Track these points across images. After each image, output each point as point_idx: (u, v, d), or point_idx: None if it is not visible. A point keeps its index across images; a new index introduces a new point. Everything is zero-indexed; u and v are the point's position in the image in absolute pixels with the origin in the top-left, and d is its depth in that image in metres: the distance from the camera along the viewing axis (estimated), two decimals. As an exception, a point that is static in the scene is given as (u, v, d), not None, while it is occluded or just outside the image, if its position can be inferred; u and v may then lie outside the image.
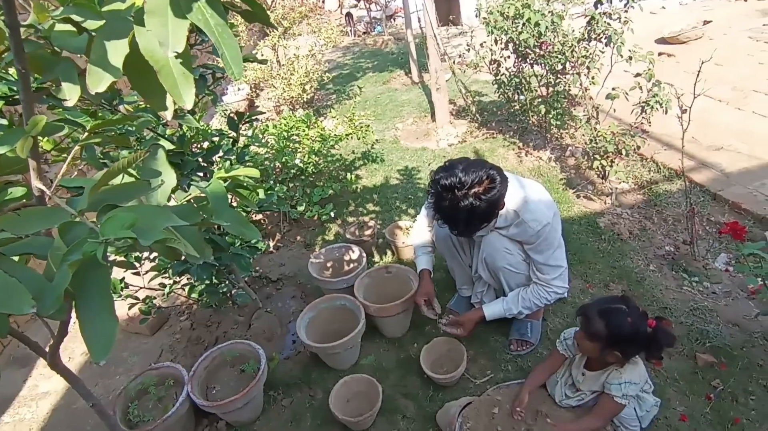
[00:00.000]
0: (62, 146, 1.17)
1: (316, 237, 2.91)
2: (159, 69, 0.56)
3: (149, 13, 0.53)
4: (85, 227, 0.57)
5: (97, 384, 2.14)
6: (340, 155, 3.16)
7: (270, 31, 5.18)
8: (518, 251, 1.74)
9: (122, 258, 1.83)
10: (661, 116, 2.55)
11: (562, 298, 1.80)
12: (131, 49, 0.58)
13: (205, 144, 1.87)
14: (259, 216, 3.02)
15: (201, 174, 1.72)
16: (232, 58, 0.56)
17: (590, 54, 2.87)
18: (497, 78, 3.53)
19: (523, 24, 2.96)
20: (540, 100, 3.27)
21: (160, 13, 0.53)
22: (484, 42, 3.45)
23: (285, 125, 2.95)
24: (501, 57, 3.42)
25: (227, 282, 2.09)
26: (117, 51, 0.57)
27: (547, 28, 2.86)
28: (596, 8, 2.74)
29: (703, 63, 2.06)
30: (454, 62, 4.00)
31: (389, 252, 2.66)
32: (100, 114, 1.40)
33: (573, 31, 2.96)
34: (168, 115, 0.62)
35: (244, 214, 1.90)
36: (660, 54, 4.80)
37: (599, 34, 2.75)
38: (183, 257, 1.12)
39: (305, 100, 5.02)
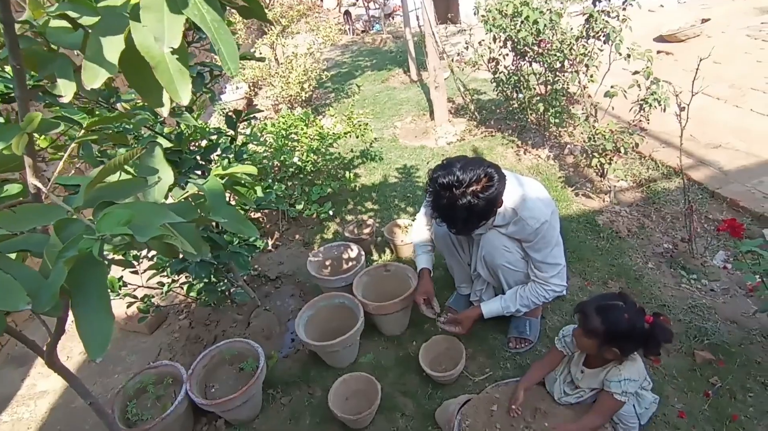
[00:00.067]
0: (59, 143, 1.17)
1: (314, 236, 2.90)
2: (155, 65, 0.56)
3: (145, 8, 0.53)
4: (82, 224, 0.57)
5: (95, 383, 2.14)
6: (339, 153, 3.16)
7: (268, 30, 5.17)
8: (517, 249, 1.74)
9: (120, 257, 1.83)
10: (660, 113, 2.55)
11: (560, 296, 1.80)
12: (127, 45, 0.58)
13: (203, 142, 1.87)
14: (258, 215, 3.02)
15: (199, 172, 1.72)
16: (228, 54, 0.55)
17: (589, 52, 2.87)
18: (496, 76, 3.53)
19: (522, 22, 2.96)
20: (538, 98, 3.27)
21: (155, 9, 0.53)
22: (483, 40, 3.44)
23: (283, 124, 2.94)
24: (499, 55, 3.42)
25: (226, 281, 2.09)
26: (112, 47, 0.56)
27: (545, 26, 2.86)
28: (594, 6, 2.74)
29: (701, 60, 2.06)
30: (452, 60, 3.99)
31: (388, 250, 2.66)
32: (97, 112, 1.39)
33: (571, 29, 2.96)
34: (164, 111, 0.62)
35: (243, 212, 1.90)
36: (658, 52, 4.80)
37: (598, 32, 2.75)
38: (181, 256, 1.12)
39: (304, 98, 5.01)
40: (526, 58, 3.19)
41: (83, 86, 0.56)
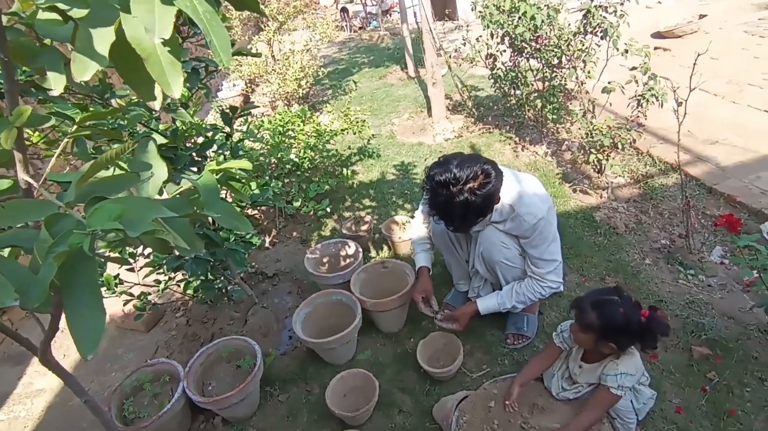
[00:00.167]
0: (52, 139, 1.16)
1: (312, 233, 2.90)
2: (146, 57, 0.55)
3: (135, -1, 0.52)
4: (73, 219, 0.56)
5: (92, 381, 2.13)
6: (336, 150, 3.15)
7: (265, 26, 5.14)
8: (515, 246, 1.73)
9: (116, 254, 1.82)
10: (657, 109, 2.55)
11: (557, 292, 1.80)
12: (118, 38, 0.57)
13: (200, 139, 1.86)
14: (255, 212, 3.01)
15: (195, 169, 1.71)
16: (220, 46, 0.55)
17: (586, 48, 2.86)
18: (493, 72, 3.52)
19: (519, 18, 2.95)
20: (536, 94, 3.26)
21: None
22: (480, 36, 3.43)
23: (280, 121, 2.93)
24: (497, 51, 3.41)
25: (223, 278, 2.08)
26: (103, 39, 0.55)
27: (543, 21, 2.85)
28: (592, 1, 2.73)
29: (698, 56, 2.05)
30: (450, 57, 3.98)
31: (385, 247, 2.65)
32: (91, 108, 1.38)
33: (569, 24, 2.95)
34: (156, 105, 0.61)
35: (239, 209, 1.89)
36: (656, 48, 4.79)
37: (595, 28, 2.74)
38: (176, 252, 1.11)
39: (301, 95, 5.00)
40: (524, 54, 3.18)
41: (73, 79, 0.56)
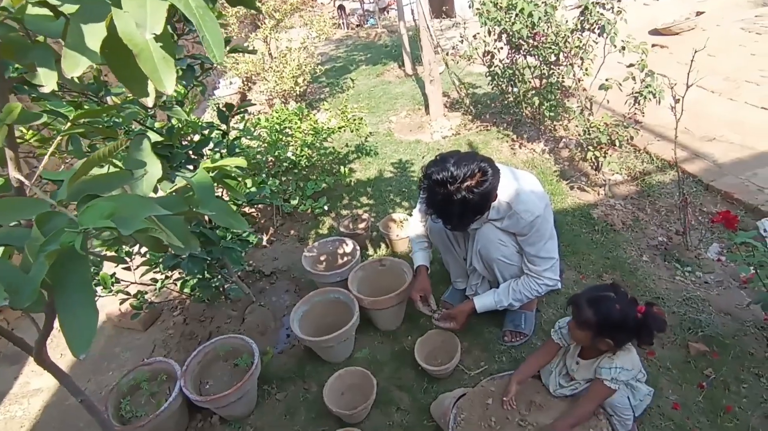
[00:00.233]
0: (45, 136, 1.15)
1: (309, 231, 2.89)
2: (138, 53, 0.55)
3: (126, -7, 0.51)
4: (65, 218, 0.56)
5: (89, 380, 2.12)
6: (334, 148, 3.14)
7: (262, 24, 5.12)
8: (512, 243, 1.73)
9: (113, 253, 1.81)
10: (654, 107, 2.55)
11: (555, 289, 1.80)
12: (109, 33, 0.56)
13: (196, 137, 1.85)
14: (252, 210, 3.00)
15: (191, 167, 1.70)
16: (213, 41, 0.54)
17: (583, 45, 2.85)
18: (491, 70, 3.51)
19: (517, 14, 2.94)
20: (534, 91, 3.26)
21: (137, -6, 0.51)
22: (478, 33, 3.42)
23: (277, 118, 2.92)
24: (494, 48, 3.40)
25: (220, 277, 2.07)
26: (94, 34, 0.55)
27: (540, 18, 2.84)
28: (589, -2, 2.72)
29: (696, 52, 2.05)
30: (447, 54, 3.97)
31: (383, 245, 2.65)
32: (86, 106, 1.37)
33: (566, 21, 2.95)
34: (149, 101, 0.60)
35: (236, 207, 1.88)
36: (653, 45, 4.79)
37: (592, 24, 2.74)
38: (172, 251, 1.11)
39: (298, 93, 4.98)
40: (521, 51, 3.17)
41: (65, 76, 0.55)
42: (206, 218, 1.61)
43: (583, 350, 1.48)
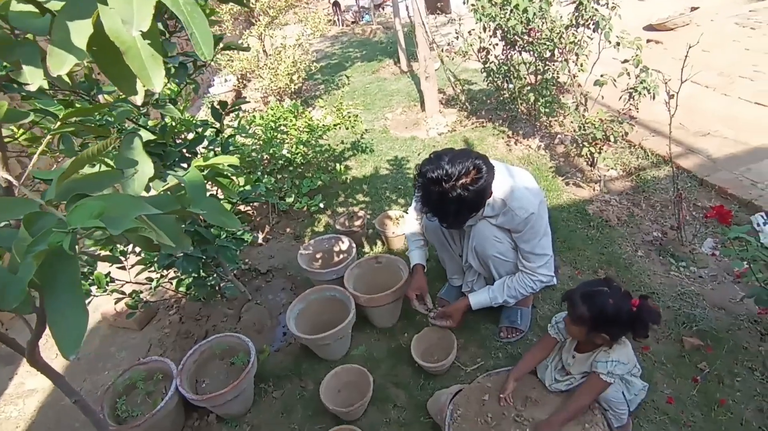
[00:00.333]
0: (38, 135, 1.14)
1: (305, 229, 2.88)
2: (125, 50, 0.54)
3: (112, -11, 0.51)
4: (53, 218, 0.55)
5: (85, 380, 2.12)
6: (329, 145, 3.13)
7: (256, 21, 5.09)
8: (507, 240, 1.73)
9: (107, 252, 1.80)
10: (649, 102, 2.55)
11: (550, 285, 1.80)
12: (96, 30, 0.55)
13: (190, 135, 1.84)
14: (248, 208, 2.99)
15: (184, 165, 1.69)
16: (201, 38, 0.53)
17: (578, 41, 2.85)
18: (486, 66, 3.51)
19: (511, 10, 2.94)
20: (529, 88, 3.25)
21: (124, -10, 0.51)
22: (473, 30, 3.41)
23: (272, 116, 2.91)
24: (490, 45, 3.39)
25: (215, 275, 2.06)
26: (80, 31, 0.54)
27: (535, 14, 2.84)
28: (584, -6, 2.72)
29: (690, 48, 2.05)
30: (443, 51, 3.96)
31: (379, 242, 2.65)
32: (77, 104, 1.36)
33: (561, 17, 2.94)
34: (138, 99, 0.60)
35: (230, 205, 1.87)
36: (648, 41, 4.80)
37: (587, 20, 2.74)
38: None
39: (293, 90, 4.96)
40: (516, 47, 3.17)
41: (50, 74, 0.54)
42: (200, 216, 1.60)
43: (579, 344, 1.48)
